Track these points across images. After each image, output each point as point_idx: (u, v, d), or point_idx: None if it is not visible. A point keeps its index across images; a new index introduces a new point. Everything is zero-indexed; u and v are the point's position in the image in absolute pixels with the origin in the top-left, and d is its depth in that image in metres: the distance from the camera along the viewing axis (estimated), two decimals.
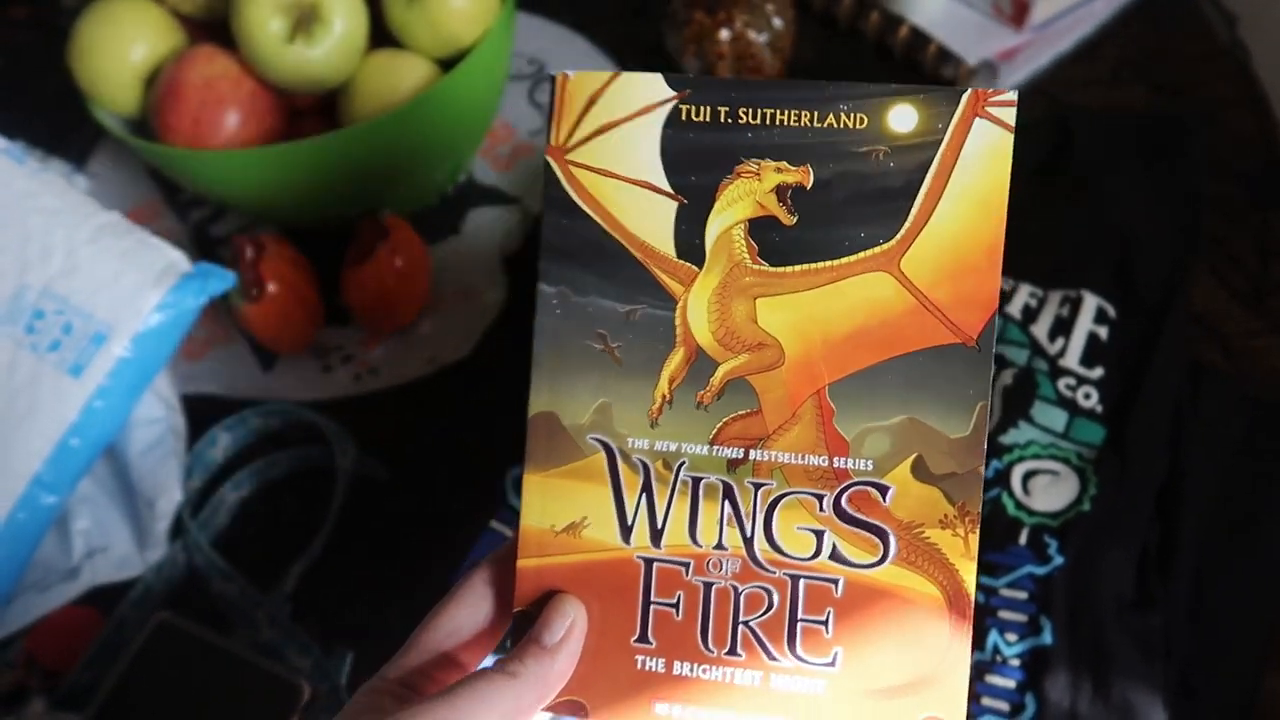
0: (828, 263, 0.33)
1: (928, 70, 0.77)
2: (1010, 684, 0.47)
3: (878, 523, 0.33)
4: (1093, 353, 0.56)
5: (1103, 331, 0.57)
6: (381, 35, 0.63)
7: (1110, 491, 0.51)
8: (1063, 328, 0.58)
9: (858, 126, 0.33)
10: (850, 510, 0.33)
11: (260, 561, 0.56)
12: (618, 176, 0.34)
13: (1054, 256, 0.62)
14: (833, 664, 0.33)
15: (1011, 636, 0.48)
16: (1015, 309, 0.59)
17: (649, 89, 0.34)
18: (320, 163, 0.59)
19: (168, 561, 0.55)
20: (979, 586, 0.49)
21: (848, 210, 0.33)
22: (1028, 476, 0.52)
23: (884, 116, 0.33)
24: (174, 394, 0.57)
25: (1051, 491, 0.52)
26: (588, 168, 0.34)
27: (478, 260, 0.69)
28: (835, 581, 0.33)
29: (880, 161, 0.33)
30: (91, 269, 0.47)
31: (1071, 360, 0.56)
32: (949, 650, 0.32)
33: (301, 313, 0.62)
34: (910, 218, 0.33)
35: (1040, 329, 0.58)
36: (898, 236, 0.33)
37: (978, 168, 0.32)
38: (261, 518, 0.58)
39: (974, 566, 0.32)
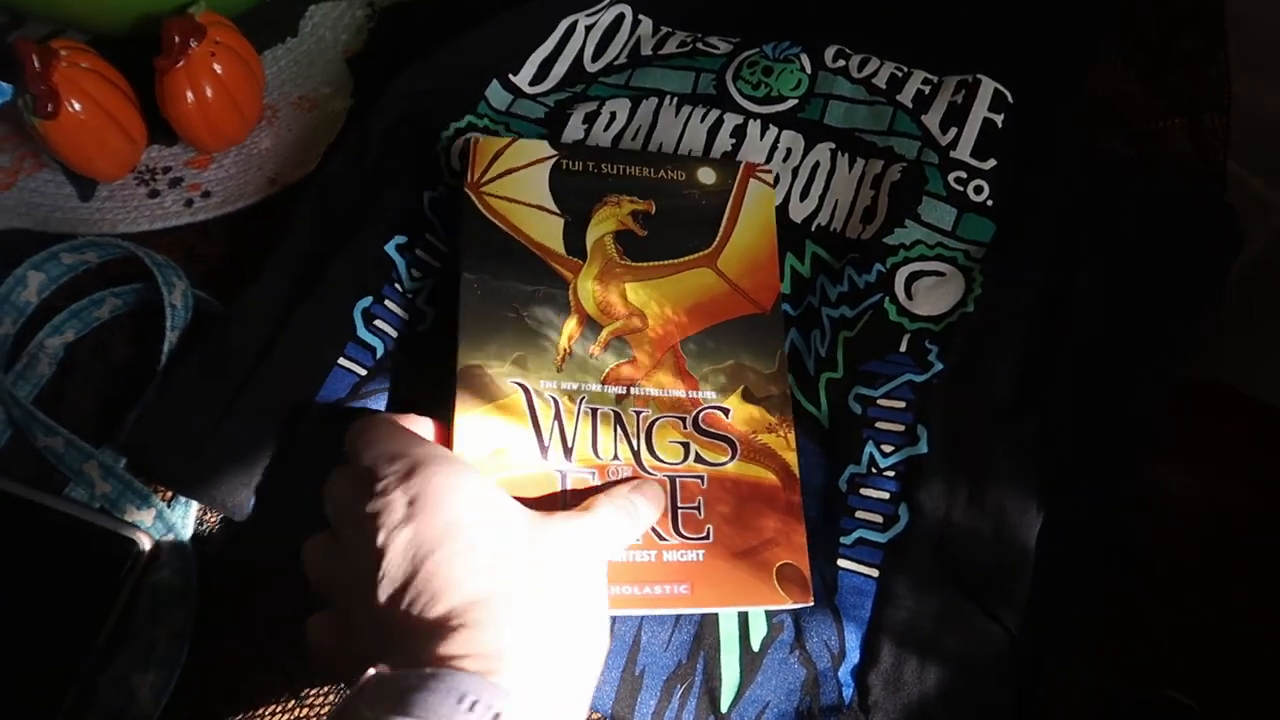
0: (670, 261, 0.48)
1: None
2: (884, 495, 0.45)
3: (725, 433, 0.45)
4: (986, 142, 0.52)
5: (999, 119, 0.53)
6: None
7: (995, 290, 0.48)
8: (956, 116, 0.53)
9: (679, 179, 0.50)
10: (704, 426, 0.45)
11: (91, 410, 0.51)
12: (519, 201, 0.48)
13: (951, 38, 0.57)
14: (707, 537, 0.43)
15: (888, 448, 0.46)
16: (907, 97, 0.54)
17: (538, 149, 0.49)
18: None
19: None
20: (858, 398, 0.47)
21: (679, 228, 0.49)
22: (911, 279, 0.49)
23: (695, 173, 0.50)
24: None
25: (936, 294, 0.49)
26: (496, 196, 0.48)
27: (319, 64, 0.62)
28: (701, 477, 0.44)
29: (696, 199, 0.50)
30: None
31: (963, 152, 0.52)
32: (788, 514, 0.44)
33: (114, 131, 0.55)
34: (719, 235, 0.49)
35: (932, 119, 0.53)
36: (713, 245, 0.49)
37: (754, 206, 0.50)
38: (88, 363, 0.52)
39: (795, 455, 0.46)
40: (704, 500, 0.43)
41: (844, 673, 0.43)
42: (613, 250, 0.47)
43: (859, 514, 0.45)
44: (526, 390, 0.44)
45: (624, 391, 0.45)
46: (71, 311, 0.52)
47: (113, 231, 0.56)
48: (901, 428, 0.46)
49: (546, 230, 0.47)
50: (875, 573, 0.44)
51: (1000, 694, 0.42)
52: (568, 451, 0.43)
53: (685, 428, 0.45)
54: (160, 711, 0.43)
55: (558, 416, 0.43)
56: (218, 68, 0.54)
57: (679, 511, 0.43)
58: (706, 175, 0.50)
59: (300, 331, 0.49)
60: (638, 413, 0.45)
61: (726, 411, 0.45)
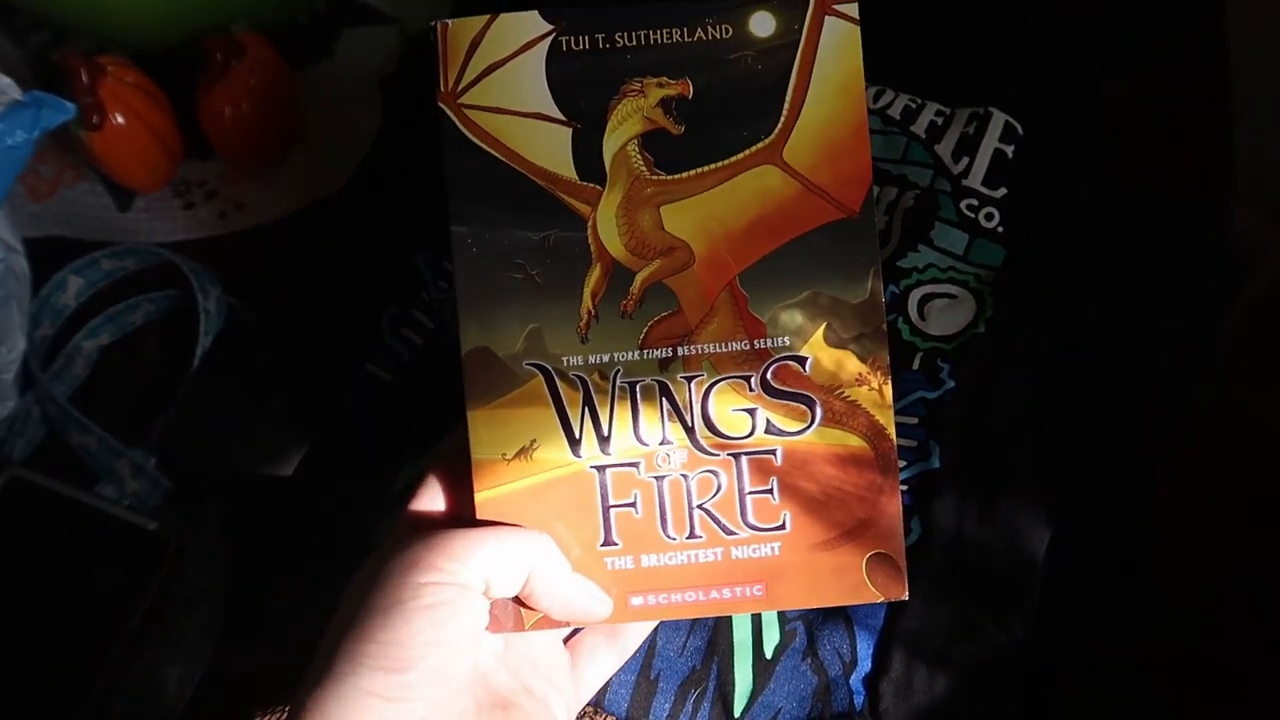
0: (719, 163, 0.36)
1: None
2: None
3: (802, 391, 0.36)
4: (997, 171, 0.54)
5: (1009, 149, 0.55)
6: None
7: (1006, 312, 0.49)
8: (968, 146, 0.55)
9: (724, 36, 0.36)
10: (776, 385, 0.36)
11: (123, 411, 0.53)
12: (511, 112, 0.36)
13: (963, 72, 0.59)
14: (783, 527, 0.36)
15: (901, 463, 0.47)
16: (920, 128, 0.56)
17: (527, 26, 0.36)
18: None
19: (20, 414, 0.51)
20: None
21: (728, 113, 0.36)
22: (924, 301, 0.50)
23: (746, 24, 0.36)
24: (12, 234, 0.52)
25: (948, 315, 0.50)
26: (481, 108, 0.36)
27: (352, 85, 0.64)
28: (774, 452, 0.36)
29: (749, 65, 0.36)
30: None
31: (975, 180, 0.54)
32: (881, 492, 0.36)
33: (154, 143, 0.57)
34: (784, 113, 0.36)
35: (945, 148, 0.55)
36: (776, 130, 0.36)
37: (833, 60, 0.36)
38: (122, 366, 0.54)
39: (891, 413, 0.36)
40: (779, 481, 0.36)
41: (855, 680, 0.43)
42: (639, 163, 0.36)
43: None
44: (547, 372, 0.36)
45: (669, 354, 0.36)
46: (108, 315, 0.54)
47: (149, 241, 0.57)
48: (914, 443, 0.47)
49: (551, 149, 0.36)
50: None
51: (1010, 705, 0.42)
52: (604, 441, 0.36)
53: (751, 389, 0.36)
54: (187, 702, 0.44)
55: (588, 401, 0.36)
56: (254, 82, 0.56)
57: (747, 498, 0.36)
58: (762, 24, 0.36)
59: (327, 338, 0.50)
60: (689, 379, 0.36)
61: (804, 361, 0.36)
